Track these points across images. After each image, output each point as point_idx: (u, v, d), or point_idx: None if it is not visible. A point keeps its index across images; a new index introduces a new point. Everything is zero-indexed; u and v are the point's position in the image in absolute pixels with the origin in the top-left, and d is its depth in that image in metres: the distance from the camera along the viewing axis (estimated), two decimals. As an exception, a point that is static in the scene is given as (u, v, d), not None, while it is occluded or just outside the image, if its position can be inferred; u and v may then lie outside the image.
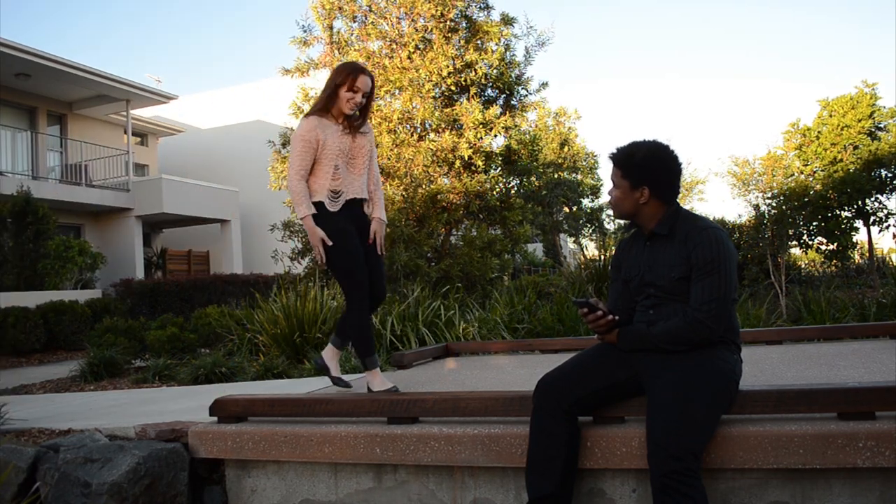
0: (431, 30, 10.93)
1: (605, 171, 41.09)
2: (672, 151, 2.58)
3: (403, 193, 10.38)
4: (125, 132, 17.66)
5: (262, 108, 19.65)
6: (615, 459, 2.51)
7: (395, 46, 11.11)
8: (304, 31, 11.75)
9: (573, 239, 29.85)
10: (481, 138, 10.61)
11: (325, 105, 3.56)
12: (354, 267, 3.48)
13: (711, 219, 2.50)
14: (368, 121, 3.76)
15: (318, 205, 3.53)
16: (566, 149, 26.62)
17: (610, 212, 28.51)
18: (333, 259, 3.50)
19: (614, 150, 2.61)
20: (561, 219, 26.09)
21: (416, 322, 6.41)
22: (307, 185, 3.54)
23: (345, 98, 3.51)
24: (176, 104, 19.37)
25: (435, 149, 10.38)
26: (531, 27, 11.56)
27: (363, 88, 3.52)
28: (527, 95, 12.00)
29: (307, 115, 3.60)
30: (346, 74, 3.50)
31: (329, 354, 3.75)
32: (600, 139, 49.99)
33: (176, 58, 77.42)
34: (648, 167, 2.54)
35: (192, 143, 21.58)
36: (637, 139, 2.61)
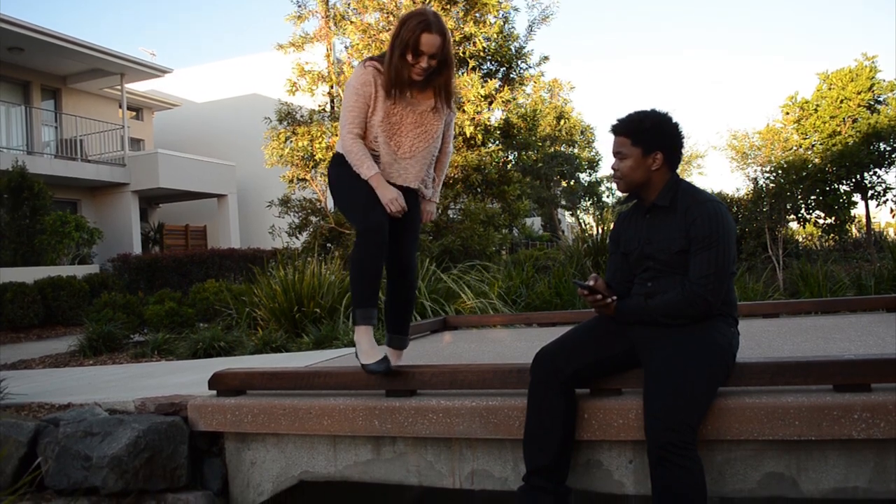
0: (429, 1, 10.81)
1: (603, 144, 40.93)
2: (673, 118, 2.57)
3: None
4: (120, 106, 17.51)
5: (257, 81, 19.48)
6: (612, 431, 2.53)
7: (392, 19, 11.00)
8: (299, 6, 11.64)
9: (571, 213, 29.87)
10: (480, 112, 10.56)
11: (386, 67, 2.88)
12: (365, 202, 2.89)
13: (711, 192, 2.49)
14: (445, 92, 3.00)
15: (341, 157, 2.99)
16: (563, 122, 26.49)
17: (609, 185, 28.57)
18: (344, 196, 3.01)
19: (616, 122, 2.58)
20: (558, 192, 26.06)
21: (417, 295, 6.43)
22: (364, 143, 2.95)
23: (409, 65, 2.83)
24: (171, 78, 19.18)
25: None
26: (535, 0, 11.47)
27: (428, 50, 2.79)
28: (527, 69, 11.94)
29: (367, 61, 2.94)
30: (408, 35, 2.77)
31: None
32: (597, 115, 49.85)
33: (170, 31, 76.62)
34: (661, 131, 2.53)
35: (188, 117, 21.41)
36: (637, 109, 2.59)
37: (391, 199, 2.85)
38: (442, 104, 3.02)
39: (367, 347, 2.88)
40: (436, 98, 2.99)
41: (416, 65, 2.81)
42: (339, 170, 3.01)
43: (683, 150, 2.63)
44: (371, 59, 2.95)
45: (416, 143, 3.00)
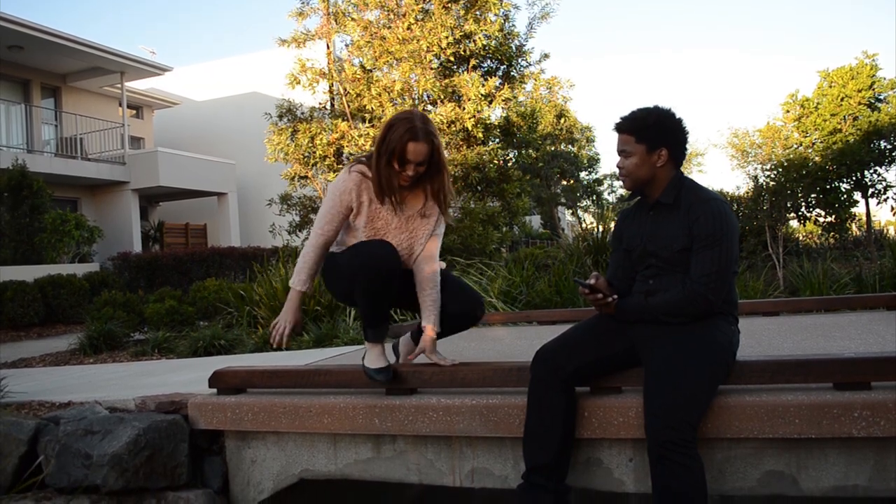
0: (430, 0, 10.81)
1: (602, 143, 40.85)
2: (677, 114, 2.57)
3: None
4: (120, 104, 17.51)
5: (258, 79, 19.47)
6: (612, 429, 2.53)
7: (392, 16, 10.99)
8: (302, 2, 11.63)
9: (571, 211, 29.85)
10: (480, 110, 10.55)
11: (374, 173, 2.77)
12: (349, 261, 2.76)
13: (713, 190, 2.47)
14: (436, 199, 2.87)
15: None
16: (563, 120, 26.43)
17: (610, 182, 28.52)
18: (334, 281, 2.87)
19: (619, 120, 2.57)
20: (558, 191, 26.04)
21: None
22: (324, 254, 2.88)
23: (396, 172, 2.74)
24: (171, 76, 19.17)
25: (439, 122, 10.33)
26: None
27: (414, 159, 2.69)
28: (527, 66, 11.93)
29: (355, 165, 2.85)
30: (394, 143, 2.68)
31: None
32: (596, 114, 49.92)
33: (170, 29, 76.65)
34: (665, 128, 2.52)
35: (188, 116, 21.40)
36: (640, 107, 2.58)
37: (284, 324, 2.80)
38: (434, 208, 2.89)
39: (374, 357, 2.85)
40: (426, 202, 2.86)
41: (402, 172, 2.72)
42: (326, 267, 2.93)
43: (687, 147, 2.62)
44: (358, 161, 2.87)
45: (401, 246, 2.86)
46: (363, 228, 2.84)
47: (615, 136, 2.59)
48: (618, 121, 2.58)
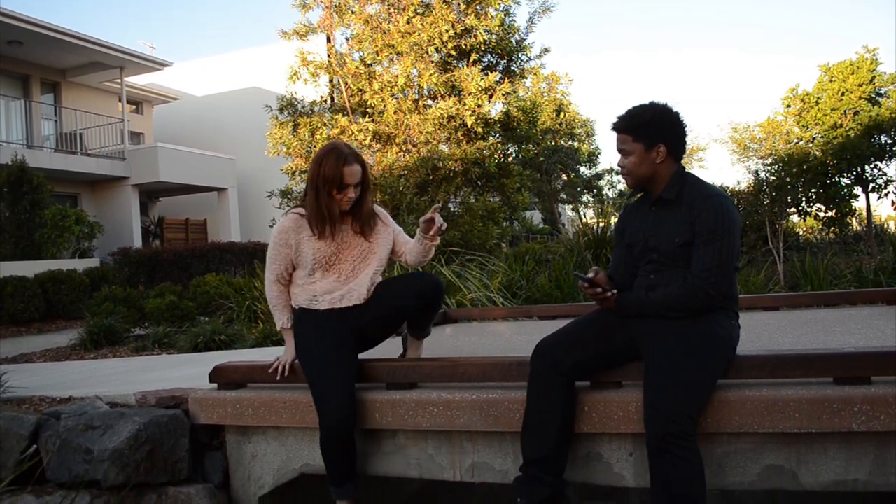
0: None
1: (602, 138, 40.83)
2: (674, 108, 2.56)
3: (406, 160, 10.35)
4: (120, 100, 17.49)
5: (257, 74, 19.44)
6: (612, 424, 2.53)
7: (393, 10, 10.98)
8: (307, -6, 11.61)
9: (571, 206, 29.85)
10: (481, 105, 10.54)
11: (311, 209, 2.88)
12: (316, 377, 2.77)
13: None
14: (373, 215, 3.01)
15: (298, 309, 3.01)
16: (562, 115, 26.38)
17: (610, 178, 28.52)
18: (302, 365, 2.91)
19: (616, 120, 2.56)
20: (559, 186, 26.02)
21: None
22: (286, 289, 3.01)
23: (337, 200, 2.87)
24: (171, 71, 19.16)
25: (439, 116, 10.32)
26: None
27: (352, 181, 2.82)
28: (527, 61, 11.92)
29: (291, 210, 3.01)
30: (330, 173, 2.79)
31: None
32: (594, 110, 49.84)
33: (169, 25, 76.53)
34: (661, 124, 2.51)
35: (188, 111, 21.37)
36: (635, 104, 2.57)
37: (285, 361, 2.97)
38: (361, 226, 2.97)
39: None
40: (353, 222, 2.97)
41: (343, 197, 2.85)
42: (297, 327, 3.00)
43: (687, 140, 2.61)
44: (296, 206, 3.02)
45: (357, 264, 2.98)
46: (313, 262, 2.92)
47: (614, 134, 2.58)
48: (614, 120, 2.57)
